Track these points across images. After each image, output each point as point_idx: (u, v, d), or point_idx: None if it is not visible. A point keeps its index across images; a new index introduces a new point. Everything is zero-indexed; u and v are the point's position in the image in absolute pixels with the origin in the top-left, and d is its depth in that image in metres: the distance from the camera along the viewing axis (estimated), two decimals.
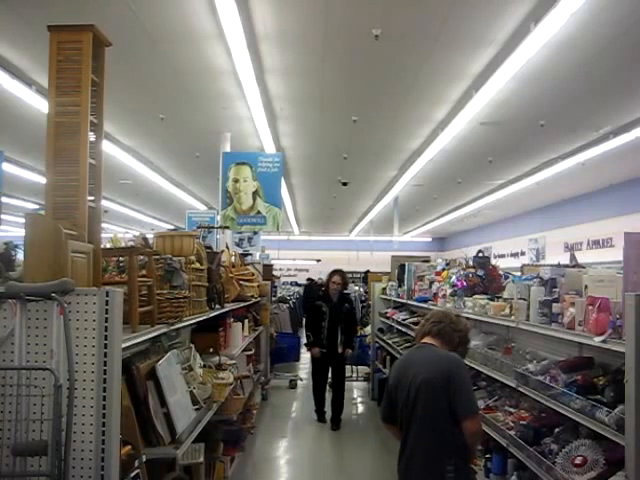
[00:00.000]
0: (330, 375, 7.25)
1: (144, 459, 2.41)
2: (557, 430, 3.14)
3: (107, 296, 2.06)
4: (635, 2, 4.82)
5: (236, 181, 8.57)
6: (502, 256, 16.71)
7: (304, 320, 8.02)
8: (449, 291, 5.49)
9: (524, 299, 3.57)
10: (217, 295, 4.17)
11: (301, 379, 9.60)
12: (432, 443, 2.67)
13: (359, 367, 9.68)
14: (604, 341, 2.55)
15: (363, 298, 12.86)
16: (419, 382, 2.73)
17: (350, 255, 23.67)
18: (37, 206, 13.31)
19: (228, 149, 9.04)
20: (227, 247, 6.54)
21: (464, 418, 2.67)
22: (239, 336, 5.41)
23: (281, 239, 20.88)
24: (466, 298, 4.84)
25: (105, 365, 2.03)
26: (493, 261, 5.26)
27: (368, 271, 12.91)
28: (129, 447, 2.28)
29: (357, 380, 9.66)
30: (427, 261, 8.41)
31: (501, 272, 4.89)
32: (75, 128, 2.31)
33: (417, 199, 15.30)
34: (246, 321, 5.97)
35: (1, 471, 1.95)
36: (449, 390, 2.68)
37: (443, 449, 2.66)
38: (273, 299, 9.82)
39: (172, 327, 3.00)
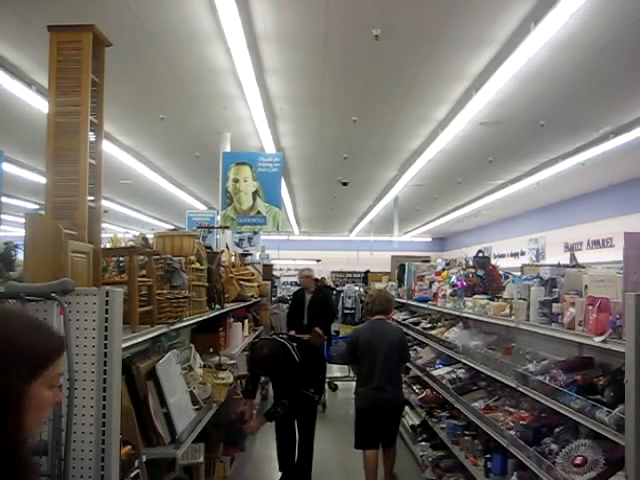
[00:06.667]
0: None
1: (144, 459, 2.41)
2: (557, 430, 3.14)
3: (107, 296, 2.06)
4: (635, 2, 4.82)
5: (236, 181, 8.57)
6: (502, 256, 16.72)
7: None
8: (449, 291, 5.50)
9: (524, 299, 3.57)
10: (217, 295, 4.17)
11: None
12: (395, 370, 4.89)
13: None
14: (604, 341, 2.55)
15: (363, 298, 12.86)
16: (387, 342, 4.81)
17: (350, 255, 23.69)
18: (37, 206, 13.30)
19: (228, 149, 9.04)
20: (227, 247, 6.53)
21: (404, 362, 5.31)
22: (239, 336, 5.41)
23: (281, 239, 20.88)
24: (466, 298, 4.84)
25: (105, 365, 2.03)
26: (493, 261, 5.26)
27: (368, 271, 12.92)
28: (129, 447, 2.28)
29: (354, 380, 9.66)
30: (427, 261, 8.42)
31: (501, 272, 4.89)
32: (75, 128, 2.31)
33: (417, 199, 15.30)
34: (246, 321, 5.97)
35: None
36: (404, 347, 5.06)
37: (398, 373, 5.01)
38: (273, 299, 9.82)
39: (172, 327, 3.00)
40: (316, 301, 7.72)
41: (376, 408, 4.74)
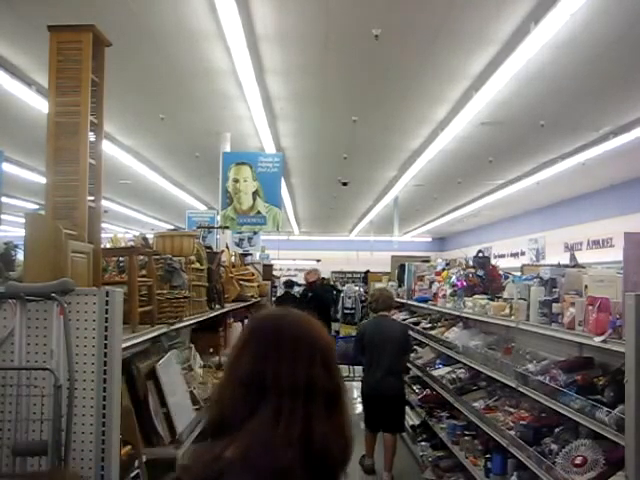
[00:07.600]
0: None
1: (144, 459, 2.41)
2: (557, 430, 3.14)
3: (107, 296, 2.05)
4: (635, 2, 4.82)
5: (236, 181, 8.57)
6: (502, 256, 16.68)
7: None
8: (449, 291, 5.50)
9: (524, 299, 3.57)
10: (217, 295, 4.17)
11: None
12: (395, 363, 5.36)
13: (357, 367, 9.71)
14: (604, 341, 2.55)
15: (363, 298, 12.86)
16: (390, 336, 5.41)
17: (350, 255, 23.66)
18: (37, 206, 13.30)
19: (228, 149, 9.03)
20: (227, 247, 6.53)
21: (407, 354, 5.86)
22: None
23: (281, 239, 20.83)
24: (466, 298, 4.84)
25: (105, 365, 2.03)
26: (493, 261, 5.26)
27: (368, 271, 12.93)
28: (129, 447, 2.28)
29: (354, 380, 9.72)
30: (427, 261, 8.42)
31: (501, 272, 4.89)
32: (75, 128, 2.30)
33: (417, 199, 15.29)
34: (246, 321, 5.97)
35: (1, 471, 1.95)
36: (405, 341, 5.59)
37: (399, 365, 5.48)
38: (273, 299, 9.81)
39: (172, 327, 3.00)
40: (314, 299, 7.78)
41: (377, 395, 5.35)
